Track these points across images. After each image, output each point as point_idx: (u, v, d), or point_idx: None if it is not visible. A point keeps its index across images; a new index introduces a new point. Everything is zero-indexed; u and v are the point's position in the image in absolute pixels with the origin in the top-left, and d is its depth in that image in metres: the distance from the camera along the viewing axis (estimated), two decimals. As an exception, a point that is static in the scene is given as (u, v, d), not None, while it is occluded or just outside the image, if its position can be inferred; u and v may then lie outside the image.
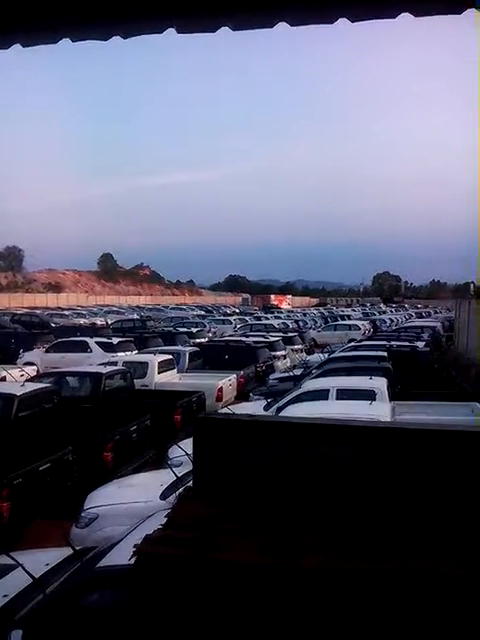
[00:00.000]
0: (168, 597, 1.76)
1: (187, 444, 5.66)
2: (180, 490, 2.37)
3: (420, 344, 19.15)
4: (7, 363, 16.83)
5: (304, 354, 23.16)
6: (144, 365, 14.77)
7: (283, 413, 9.60)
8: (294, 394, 10.95)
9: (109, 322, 38.18)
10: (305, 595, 1.68)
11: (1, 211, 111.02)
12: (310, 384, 11.78)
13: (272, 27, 1.83)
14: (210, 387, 14.09)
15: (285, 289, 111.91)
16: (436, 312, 54.81)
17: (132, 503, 6.61)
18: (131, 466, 8.96)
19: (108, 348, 18.43)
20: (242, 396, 15.18)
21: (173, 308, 59.95)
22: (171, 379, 15.16)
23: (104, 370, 12.34)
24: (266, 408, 11.14)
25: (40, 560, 4.88)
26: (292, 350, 22.85)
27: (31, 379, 12.57)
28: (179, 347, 19.40)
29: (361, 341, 21.98)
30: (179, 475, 6.17)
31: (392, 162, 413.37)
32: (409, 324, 33.34)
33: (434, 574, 1.63)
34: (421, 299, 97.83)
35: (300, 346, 24.69)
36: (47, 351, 19.32)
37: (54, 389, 10.76)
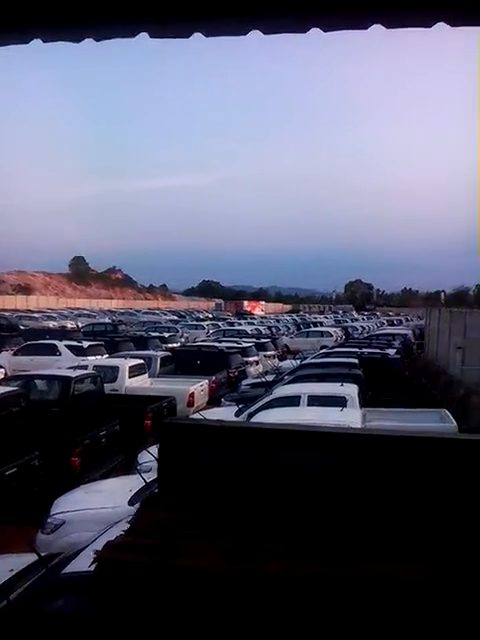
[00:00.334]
0: (129, 604, 1.72)
1: (157, 449, 5.60)
2: (144, 496, 2.33)
3: (391, 351, 19.39)
4: (-26, 366, 16.46)
5: (276, 360, 23.26)
6: (115, 369, 14.62)
7: (254, 419, 9.59)
8: (265, 400, 10.96)
9: (80, 325, 37.71)
10: (268, 600, 1.67)
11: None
12: (282, 390, 11.80)
13: (246, 34, 1.82)
14: (181, 392, 14.01)
15: (258, 295, 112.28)
16: (407, 320, 55.49)
17: (99, 509, 6.50)
18: (99, 471, 8.82)
19: (78, 352, 18.20)
20: (214, 401, 15.13)
21: (145, 312, 59.62)
22: (142, 384, 15.02)
23: (73, 374, 12.16)
24: (237, 414, 11.11)
25: (4, 566, 4.78)
26: (265, 356, 22.91)
27: (-2, 382, 12.32)
28: (151, 351, 19.28)
29: (333, 348, 22.16)
30: (148, 481, 6.09)
31: (369, 171, 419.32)
32: (381, 331, 33.74)
33: (395, 579, 1.64)
34: (393, 307, 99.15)
35: (273, 352, 24.77)
36: (15, 354, 18.98)
37: (22, 392, 10.56)
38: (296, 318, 55.90)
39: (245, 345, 22.08)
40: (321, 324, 43.96)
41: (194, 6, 1.74)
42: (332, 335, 32.52)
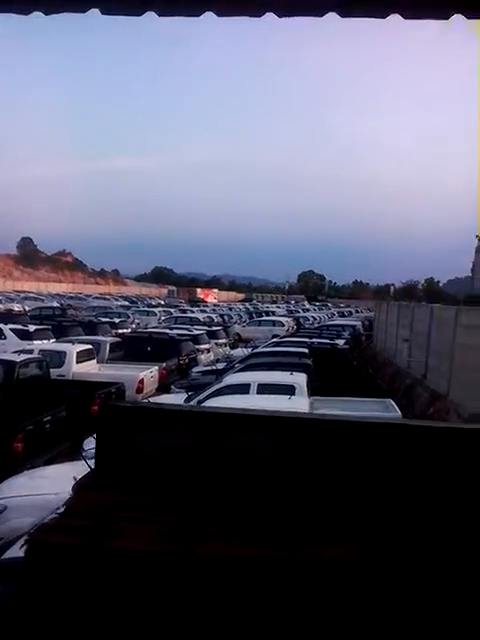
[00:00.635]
0: (62, 587, 1.70)
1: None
2: (79, 478, 2.29)
3: (340, 342, 19.73)
4: None
5: (228, 348, 23.32)
6: (61, 354, 14.31)
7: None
8: (215, 387, 10.98)
9: (27, 309, 36.68)
10: (202, 582, 1.67)
11: None
12: (232, 378, 11.84)
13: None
14: (131, 378, 13.86)
15: (212, 283, 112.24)
16: (357, 311, 56.72)
17: (42, 495, 6.36)
18: (44, 458, 8.63)
19: (24, 336, 17.74)
20: (164, 388, 15.04)
21: (96, 297, 58.64)
22: (90, 369, 14.78)
23: (18, 358, 11.80)
24: (187, 401, 11.07)
25: None
26: (216, 344, 22.92)
27: None
28: (100, 337, 18.97)
29: (284, 337, 22.38)
30: (94, 467, 5.99)
31: (325, 163, 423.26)
32: (331, 322, 34.34)
33: (324, 560, 1.66)
34: (344, 298, 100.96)
35: (224, 340, 24.81)
36: (-43, 337, 18.29)
37: (-37, 376, 10.19)
38: (249, 307, 56.19)
39: (197, 333, 22.03)
40: (273, 313, 44.37)
41: None
42: (284, 325, 32.86)
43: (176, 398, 11.73)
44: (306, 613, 1.66)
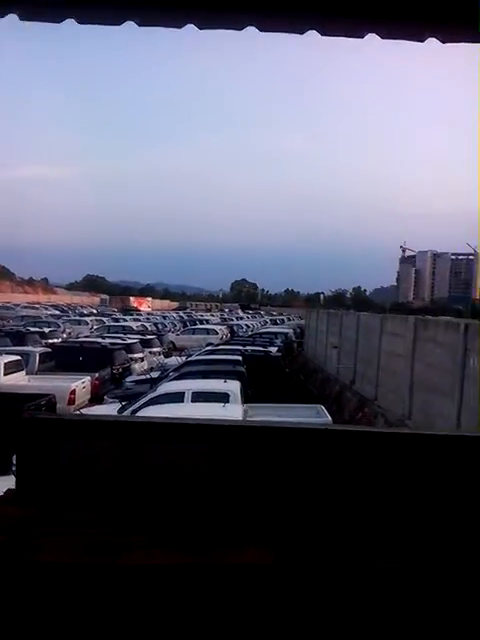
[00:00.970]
0: None
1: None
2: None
3: (273, 349, 20.01)
4: None
5: (162, 357, 23.15)
6: (-13, 366, 13.78)
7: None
8: (149, 397, 10.92)
9: None
10: (124, 592, 1.67)
11: None
12: (166, 387, 11.82)
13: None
14: (62, 390, 13.52)
15: (145, 291, 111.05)
16: (289, 319, 57.59)
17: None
18: (-30, 474, 8.29)
19: None
20: (97, 399, 14.76)
21: (25, 306, 56.55)
22: (18, 381, 14.31)
23: None
24: (120, 411, 10.94)
25: None
26: (150, 353, 22.72)
27: None
28: (29, 347, 18.38)
29: (218, 345, 22.47)
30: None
31: (255, 173, 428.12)
32: (264, 330, 34.73)
33: (240, 565, 1.70)
34: (276, 306, 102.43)
35: (158, 349, 24.63)
36: None
37: None
38: (183, 315, 55.93)
39: (130, 342, 21.75)
40: (207, 322, 44.42)
41: None
42: (218, 333, 32.97)
43: (109, 408, 11.58)
44: (225, 617, 1.70)
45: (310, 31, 1.76)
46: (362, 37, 1.78)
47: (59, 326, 32.51)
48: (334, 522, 1.89)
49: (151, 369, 18.44)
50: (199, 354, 18.77)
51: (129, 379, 16.56)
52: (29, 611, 1.67)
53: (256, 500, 1.91)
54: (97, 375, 15.87)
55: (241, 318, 56.86)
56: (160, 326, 37.58)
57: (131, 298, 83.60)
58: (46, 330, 27.06)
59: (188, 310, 75.97)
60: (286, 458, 1.98)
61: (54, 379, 14.90)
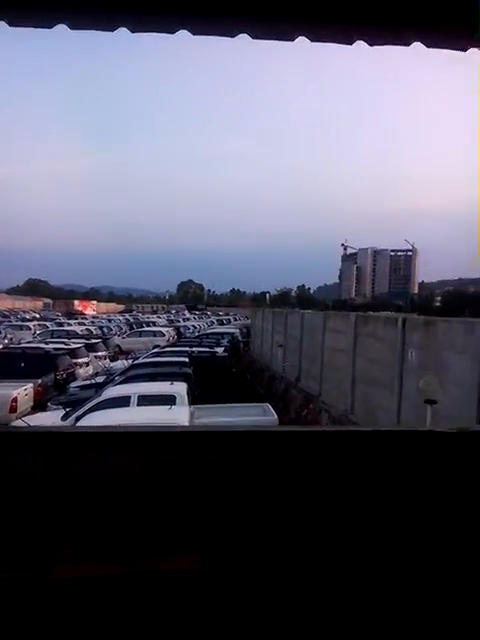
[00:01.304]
0: None
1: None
2: None
3: (220, 350, 20.15)
4: None
5: (108, 361, 22.86)
6: None
7: (82, 422, 9.41)
8: (95, 402, 10.80)
9: None
10: (54, 606, 1.67)
11: None
12: (111, 391, 11.72)
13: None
14: (3, 397, 13.24)
15: (90, 295, 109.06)
16: (235, 319, 57.86)
17: None
18: None
19: None
20: (40, 406, 14.46)
21: (-38, 313, 54.49)
22: (-43, 390, 13.83)
23: None
24: (64, 418, 10.79)
25: None
26: (95, 357, 22.39)
27: None
28: (-32, 355, 17.79)
29: (165, 347, 22.40)
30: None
31: (203, 175, 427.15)
32: (211, 331, 34.82)
33: (169, 572, 1.74)
34: (222, 307, 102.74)
35: (104, 353, 24.31)
36: None
37: None
38: (129, 318, 55.36)
39: (74, 346, 21.36)
40: (154, 324, 44.06)
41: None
42: (164, 335, 32.84)
43: (53, 415, 11.39)
44: (156, 626, 1.73)
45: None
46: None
47: (0, 332, 31.57)
48: (270, 523, 1.89)
49: (96, 374, 18.21)
50: (145, 357, 18.66)
51: (73, 385, 16.29)
52: None
53: (191, 506, 1.88)
54: (40, 381, 15.56)
55: (188, 319, 56.77)
56: (106, 330, 37.09)
57: (75, 302, 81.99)
58: (-15, 337, 26.22)
59: (134, 313, 75.23)
60: (223, 461, 1.95)
61: (-6, 387, 14.49)
